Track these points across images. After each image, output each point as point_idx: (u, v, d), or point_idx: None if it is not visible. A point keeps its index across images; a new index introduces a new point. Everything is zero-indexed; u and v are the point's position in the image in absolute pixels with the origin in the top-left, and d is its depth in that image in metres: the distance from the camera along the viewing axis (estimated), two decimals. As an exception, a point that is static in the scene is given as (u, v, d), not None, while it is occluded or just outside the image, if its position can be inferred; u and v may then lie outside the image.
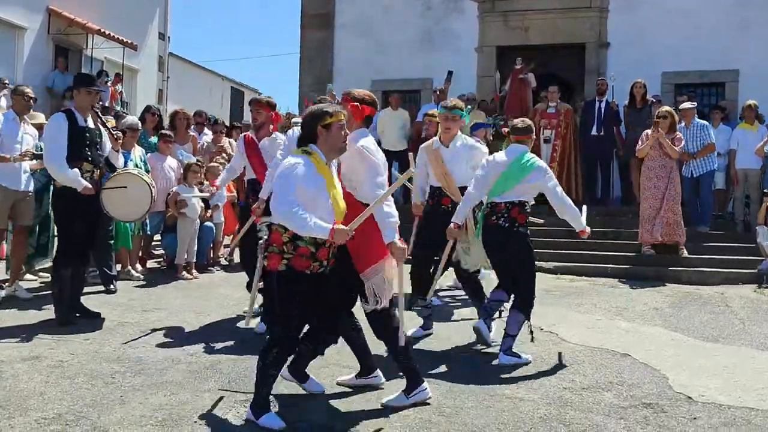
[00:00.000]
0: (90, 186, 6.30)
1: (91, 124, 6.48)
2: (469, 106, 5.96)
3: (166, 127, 10.08)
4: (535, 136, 6.18)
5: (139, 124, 9.28)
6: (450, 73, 13.35)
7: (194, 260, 9.06)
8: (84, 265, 6.68)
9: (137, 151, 8.73)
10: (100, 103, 12.15)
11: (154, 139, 9.67)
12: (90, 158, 6.40)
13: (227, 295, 7.86)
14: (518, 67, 13.44)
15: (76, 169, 6.28)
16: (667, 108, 9.90)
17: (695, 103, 11.37)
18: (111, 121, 8.36)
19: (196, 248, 9.08)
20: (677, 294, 8.59)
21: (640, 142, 9.98)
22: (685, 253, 9.90)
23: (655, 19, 13.83)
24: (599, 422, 4.39)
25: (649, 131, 9.77)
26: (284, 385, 4.88)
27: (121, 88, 17.74)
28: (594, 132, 12.36)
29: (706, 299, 8.28)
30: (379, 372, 4.88)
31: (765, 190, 10.04)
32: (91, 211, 6.42)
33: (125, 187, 6.52)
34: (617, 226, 11.40)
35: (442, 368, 5.39)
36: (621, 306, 7.91)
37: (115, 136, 6.70)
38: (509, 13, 14.89)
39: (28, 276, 8.08)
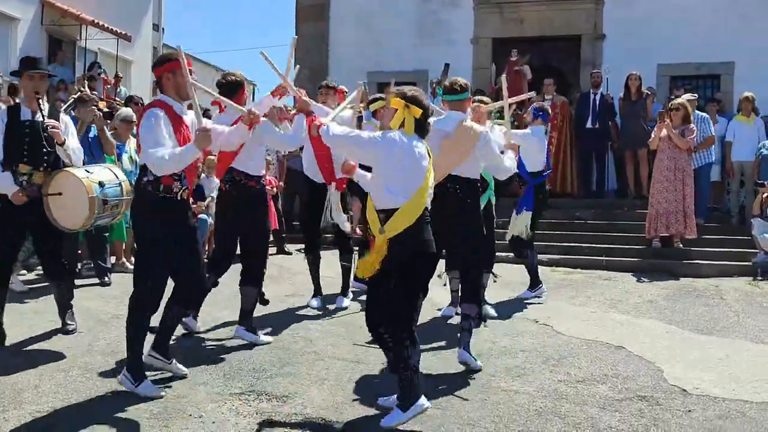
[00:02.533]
0: (20, 194, 5.38)
1: (40, 116, 5.49)
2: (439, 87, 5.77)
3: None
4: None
5: (134, 116, 9.23)
6: (447, 65, 13.33)
7: None
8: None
9: (132, 143, 8.70)
10: (94, 93, 12.12)
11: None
12: (27, 158, 5.45)
13: (222, 287, 7.83)
14: (514, 59, 13.42)
15: (8, 173, 5.41)
16: (680, 100, 9.88)
17: (696, 95, 11.38)
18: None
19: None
20: (672, 286, 8.60)
21: (652, 134, 10.00)
22: (680, 246, 9.91)
23: (651, 11, 13.80)
24: (594, 415, 4.40)
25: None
26: (272, 379, 4.88)
27: (124, 90, 17.50)
28: (589, 125, 12.36)
29: (701, 292, 8.29)
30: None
31: (758, 182, 10.06)
32: (36, 218, 5.48)
33: (60, 193, 5.45)
34: (612, 219, 11.41)
35: (438, 362, 5.39)
36: (616, 298, 7.92)
37: (51, 127, 5.46)
38: (504, 4, 14.85)
39: (22, 270, 8.04)
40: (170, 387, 4.65)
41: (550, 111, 8.08)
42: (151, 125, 4.44)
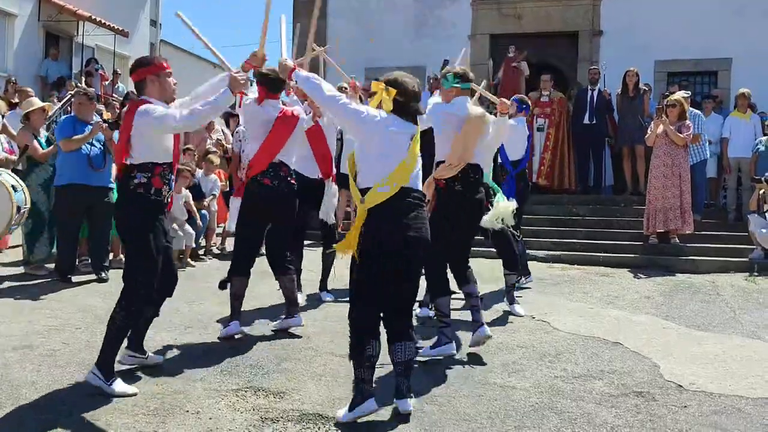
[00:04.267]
0: None
1: None
2: (450, 73, 5.57)
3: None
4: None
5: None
6: (446, 61, 13.32)
7: (192, 245, 8.98)
8: None
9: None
10: (92, 90, 12.11)
11: None
12: None
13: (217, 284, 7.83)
14: (511, 56, 13.42)
15: None
16: (676, 96, 9.90)
17: (689, 92, 11.39)
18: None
19: (192, 232, 8.95)
20: (669, 282, 8.62)
21: (648, 131, 10.02)
22: (677, 242, 9.94)
23: (649, 7, 13.81)
24: (591, 411, 4.41)
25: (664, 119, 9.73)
26: (269, 375, 4.89)
27: (124, 87, 17.42)
28: (586, 121, 12.37)
29: (698, 288, 8.32)
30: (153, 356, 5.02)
31: (755, 177, 10.08)
32: None
33: None
34: (609, 215, 11.43)
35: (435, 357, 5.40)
36: (612, 294, 7.94)
37: None
38: (502, 0, 14.85)
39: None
40: (166, 383, 4.66)
41: (530, 103, 8.17)
42: (152, 106, 4.44)
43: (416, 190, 4.22)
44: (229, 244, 9.89)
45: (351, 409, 4.08)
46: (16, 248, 8.31)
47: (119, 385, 4.43)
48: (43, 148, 7.86)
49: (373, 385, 4.19)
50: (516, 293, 7.56)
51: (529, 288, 8.08)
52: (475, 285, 5.59)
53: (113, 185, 7.86)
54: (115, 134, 7.77)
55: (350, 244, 4.22)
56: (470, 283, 5.57)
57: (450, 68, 5.73)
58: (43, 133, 8.12)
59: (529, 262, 8.47)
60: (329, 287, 7.35)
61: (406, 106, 4.23)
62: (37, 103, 8.25)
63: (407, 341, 4.22)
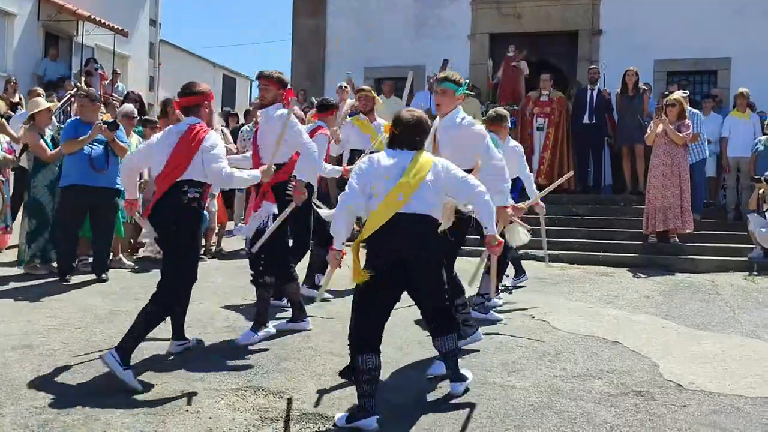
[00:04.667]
0: None
1: None
2: (466, 81, 5.41)
3: (149, 114, 10.04)
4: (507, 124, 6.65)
5: (135, 112, 9.22)
6: (445, 61, 13.32)
7: None
8: None
9: (134, 140, 8.68)
10: (92, 90, 12.11)
11: (138, 127, 9.59)
12: None
13: (220, 283, 7.86)
14: (511, 55, 13.42)
15: None
16: (675, 96, 9.90)
17: (687, 92, 11.41)
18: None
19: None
20: (668, 282, 8.62)
21: (648, 130, 10.02)
22: (677, 241, 9.94)
23: (649, 7, 13.82)
24: (590, 410, 4.42)
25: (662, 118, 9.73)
26: (269, 374, 4.89)
27: (123, 87, 17.37)
28: (586, 120, 12.36)
29: (697, 287, 8.32)
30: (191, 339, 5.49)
31: (754, 176, 10.08)
32: None
33: None
34: (609, 215, 11.43)
35: (433, 356, 5.40)
36: (612, 294, 7.94)
37: None
38: (502, 0, 14.86)
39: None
40: (166, 382, 4.66)
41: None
42: (219, 143, 4.98)
43: (414, 214, 4.19)
44: (228, 245, 9.91)
45: (349, 420, 4.07)
46: (16, 248, 8.30)
47: (130, 375, 4.54)
48: (50, 149, 7.88)
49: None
50: (512, 291, 7.62)
51: (524, 287, 8.10)
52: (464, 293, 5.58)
53: (120, 187, 7.86)
54: (119, 134, 7.81)
55: (357, 273, 4.28)
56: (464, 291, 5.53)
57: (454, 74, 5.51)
58: (48, 133, 8.13)
59: (528, 262, 8.48)
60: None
61: (401, 136, 4.38)
62: (43, 103, 8.27)
63: (445, 335, 4.44)
